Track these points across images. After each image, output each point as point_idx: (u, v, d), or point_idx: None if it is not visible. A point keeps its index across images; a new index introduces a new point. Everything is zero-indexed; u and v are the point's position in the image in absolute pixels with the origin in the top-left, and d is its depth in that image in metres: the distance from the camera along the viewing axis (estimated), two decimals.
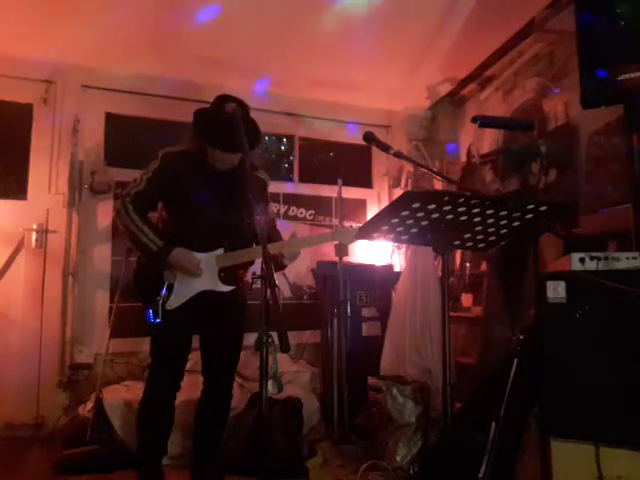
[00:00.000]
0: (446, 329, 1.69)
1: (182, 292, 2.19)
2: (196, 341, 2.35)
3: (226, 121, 1.99)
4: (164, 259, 2.14)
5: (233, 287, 2.26)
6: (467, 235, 1.72)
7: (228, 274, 2.24)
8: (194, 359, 2.59)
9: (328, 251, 3.90)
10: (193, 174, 2.22)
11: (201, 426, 2.37)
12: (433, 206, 1.52)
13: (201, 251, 2.20)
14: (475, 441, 1.93)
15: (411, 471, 2.60)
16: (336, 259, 3.48)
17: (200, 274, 2.18)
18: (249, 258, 2.26)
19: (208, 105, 2.21)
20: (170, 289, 2.19)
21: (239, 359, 2.41)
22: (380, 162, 4.66)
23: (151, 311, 2.14)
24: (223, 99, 2.14)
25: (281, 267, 2.25)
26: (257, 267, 1.71)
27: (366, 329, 3.65)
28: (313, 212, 4.39)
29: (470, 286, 3.72)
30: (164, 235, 2.19)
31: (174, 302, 2.18)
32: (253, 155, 2.23)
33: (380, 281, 3.77)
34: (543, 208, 1.59)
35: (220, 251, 2.22)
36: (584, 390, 1.61)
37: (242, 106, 2.10)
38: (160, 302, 2.15)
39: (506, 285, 3.05)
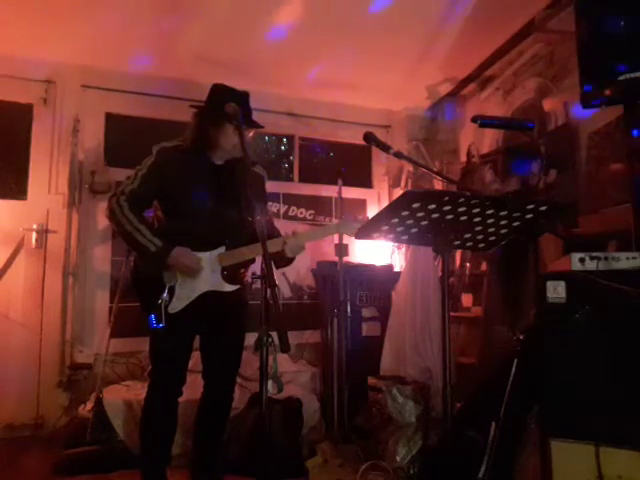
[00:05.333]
0: (446, 329, 1.68)
1: (184, 294, 2.11)
2: (195, 341, 2.29)
3: (242, 99, 2.04)
4: (164, 260, 2.06)
5: (237, 287, 2.19)
6: (467, 235, 1.72)
7: (231, 273, 2.17)
8: (194, 359, 2.58)
9: (328, 251, 3.90)
10: (190, 169, 2.13)
11: (202, 428, 2.33)
12: (433, 206, 1.52)
13: (202, 250, 2.12)
14: (475, 441, 1.93)
15: (411, 471, 2.60)
16: (336, 259, 3.48)
17: (200, 272, 2.10)
18: (253, 255, 2.16)
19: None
20: (171, 291, 2.10)
21: (241, 361, 2.36)
22: (380, 162, 4.66)
23: (154, 316, 2.06)
24: (220, 88, 2.18)
25: (288, 262, 2.17)
26: (257, 267, 1.70)
27: (366, 329, 3.65)
28: (313, 212, 4.40)
29: (470, 286, 3.72)
30: (161, 235, 2.09)
31: (177, 305, 2.10)
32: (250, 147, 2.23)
33: (380, 281, 3.76)
34: (543, 208, 1.59)
35: (222, 249, 2.14)
36: (584, 390, 1.61)
37: (243, 93, 2.15)
38: (162, 306, 2.06)
39: (506, 285, 3.04)
